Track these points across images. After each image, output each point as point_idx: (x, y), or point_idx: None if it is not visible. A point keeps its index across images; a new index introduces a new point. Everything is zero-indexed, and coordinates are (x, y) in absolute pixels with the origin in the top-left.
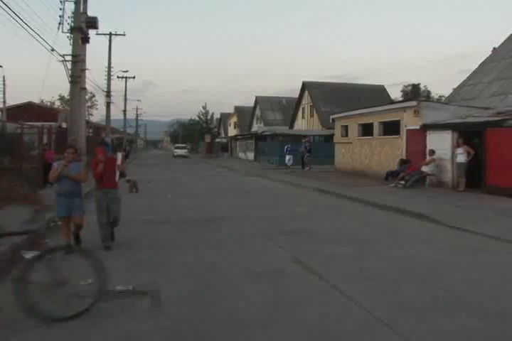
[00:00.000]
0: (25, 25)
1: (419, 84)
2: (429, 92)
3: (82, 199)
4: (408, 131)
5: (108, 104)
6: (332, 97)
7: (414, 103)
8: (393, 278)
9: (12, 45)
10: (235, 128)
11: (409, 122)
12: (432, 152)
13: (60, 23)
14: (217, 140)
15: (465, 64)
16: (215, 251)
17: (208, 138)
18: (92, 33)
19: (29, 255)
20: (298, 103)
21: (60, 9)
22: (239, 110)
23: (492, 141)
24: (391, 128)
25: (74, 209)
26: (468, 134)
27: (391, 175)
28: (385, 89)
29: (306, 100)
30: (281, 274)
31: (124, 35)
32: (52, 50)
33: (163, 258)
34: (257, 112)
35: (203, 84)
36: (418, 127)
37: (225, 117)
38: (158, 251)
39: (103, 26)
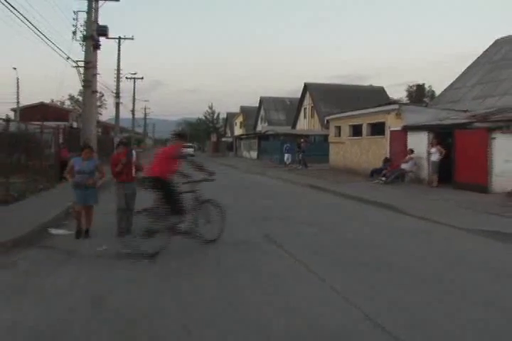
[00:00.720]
0: (44, 38)
1: (423, 85)
2: (433, 92)
3: (97, 191)
4: (391, 131)
5: (117, 105)
6: (332, 98)
7: (396, 106)
8: (334, 247)
9: (20, 45)
10: (240, 127)
11: (393, 124)
12: (411, 151)
13: (73, 32)
14: (223, 139)
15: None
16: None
17: (213, 138)
18: (102, 38)
19: (56, 231)
20: (300, 103)
21: (74, 19)
22: (244, 110)
23: (459, 141)
24: (378, 129)
25: (88, 199)
26: (442, 135)
27: (375, 172)
28: (384, 91)
29: (307, 101)
30: (248, 243)
31: (132, 38)
32: (68, 58)
33: None
34: (262, 112)
35: (212, 84)
36: (400, 128)
37: (231, 117)
38: None
39: (110, 28)
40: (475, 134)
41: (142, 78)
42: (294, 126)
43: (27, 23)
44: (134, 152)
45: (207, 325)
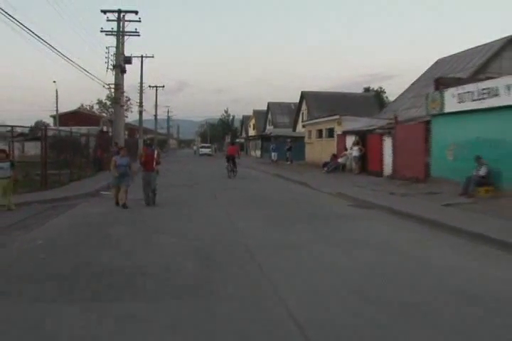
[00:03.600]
0: (84, 71)
1: None
2: None
3: (130, 177)
4: (338, 135)
5: (140, 113)
6: (324, 104)
7: (337, 116)
8: (243, 197)
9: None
10: (253, 129)
11: (338, 129)
12: (345, 149)
13: (106, 63)
14: (237, 140)
15: None
16: (184, 191)
17: (227, 139)
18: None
19: (104, 192)
20: (299, 109)
21: (106, 52)
22: (257, 113)
23: (369, 142)
24: (331, 133)
25: (123, 183)
26: (364, 137)
27: (324, 165)
28: (374, 97)
29: (304, 107)
30: (206, 198)
31: (152, 56)
32: (104, 86)
33: (165, 192)
34: (269, 116)
35: (237, 84)
36: (341, 133)
37: (246, 119)
38: (163, 190)
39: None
40: (375, 137)
41: (163, 87)
42: (294, 128)
43: (67, 59)
44: (156, 151)
45: (179, 219)
